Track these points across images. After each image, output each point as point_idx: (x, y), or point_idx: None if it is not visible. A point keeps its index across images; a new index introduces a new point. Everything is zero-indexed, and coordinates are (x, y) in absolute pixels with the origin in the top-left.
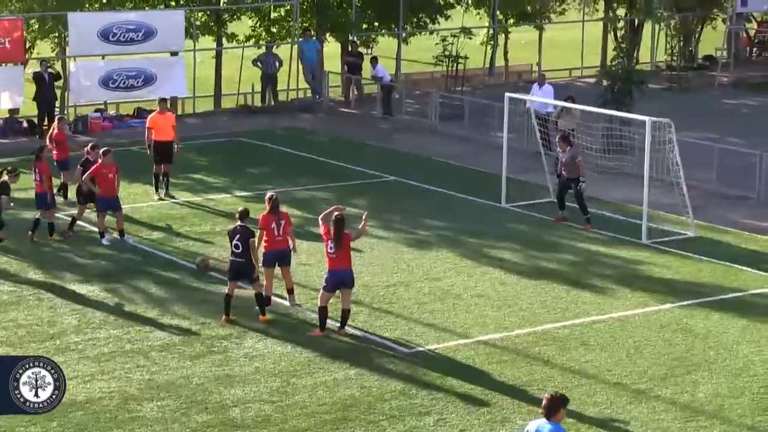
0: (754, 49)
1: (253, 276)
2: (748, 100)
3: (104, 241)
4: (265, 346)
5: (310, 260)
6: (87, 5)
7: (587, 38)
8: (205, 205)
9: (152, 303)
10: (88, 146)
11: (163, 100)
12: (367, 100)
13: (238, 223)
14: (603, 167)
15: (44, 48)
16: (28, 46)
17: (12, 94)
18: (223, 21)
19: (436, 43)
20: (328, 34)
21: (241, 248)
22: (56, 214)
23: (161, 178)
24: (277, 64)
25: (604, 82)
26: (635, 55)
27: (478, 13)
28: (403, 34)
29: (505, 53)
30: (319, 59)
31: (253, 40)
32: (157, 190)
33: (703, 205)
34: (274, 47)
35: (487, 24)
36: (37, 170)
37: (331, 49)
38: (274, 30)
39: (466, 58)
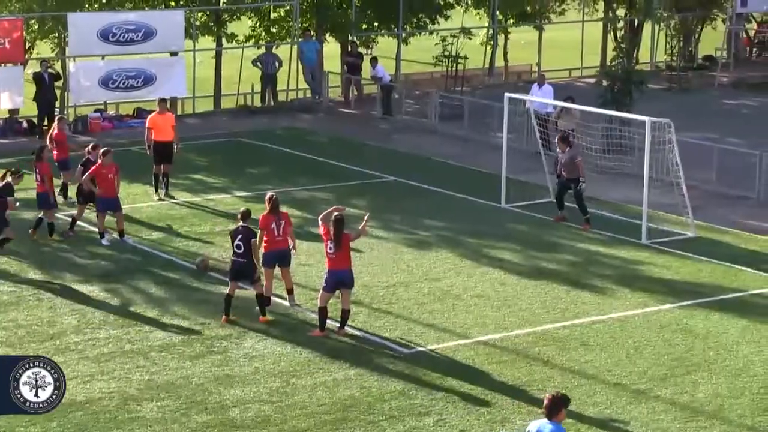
0: (754, 50)
1: (254, 277)
2: (747, 100)
3: (104, 242)
4: (264, 347)
5: (310, 260)
6: (87, 5)
7: (587, 38)
8: (204, 206)
9: (152, 303)
10: (89, 146)
11: (162, 101)
12: (367, 100)
13: (240, 223)
14: (603, 167)
15: (44, 48)
16: (27, 46)
17: (12, 95)
18: (222, 21)
19: (436, 44)
20: (327, 35)
21: (242, 248)
22: (56, 215)
23: (161, 178)
24: (276, 64)
25: (604, 83)
26: (635, 56)
27: (478, 14)
28: (403, 35)
29: (505, 53)
30: (319, 59)
31: (253, 40)
32: (156, 191)
33: (702, 205)
34: (274, 47)
35: (486, 24)
36: (37, 170)
37: (331, 49)
38: (274, 30)
39: (465, 58)
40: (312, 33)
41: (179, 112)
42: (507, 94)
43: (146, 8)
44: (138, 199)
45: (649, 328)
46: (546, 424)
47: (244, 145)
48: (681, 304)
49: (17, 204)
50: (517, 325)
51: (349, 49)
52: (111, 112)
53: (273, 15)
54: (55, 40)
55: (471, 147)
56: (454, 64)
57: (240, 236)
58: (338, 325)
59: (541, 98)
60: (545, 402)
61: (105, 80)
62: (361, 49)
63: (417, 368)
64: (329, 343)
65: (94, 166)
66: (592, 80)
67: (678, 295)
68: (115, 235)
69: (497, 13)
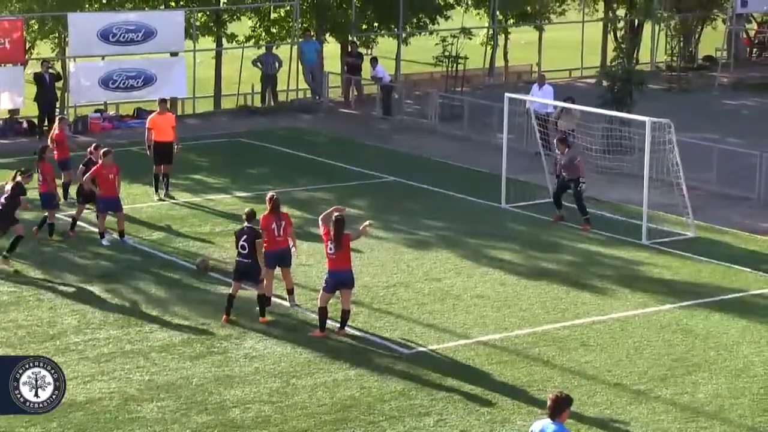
0: (754, 50)
1: (259, 277)
2: (748, 100)
3: (104, 242)
4: (265, 347)
5: (310, 261)
6: (87, 5)
7: (587, 39)
8: (204, 206)
9: (152, 303)
10: (92, 146)
11: (163, 101)
12: (367, 100)
13: (245, 224)
14: (603, 168)
15: (44, 48)
16: (28, 46)
17: (12, 95)
18: (222, 21)
19: (436, 44)
20: (327, 35)
21: (247, 249)
22: (56, 215)
23: (161, 178)
24: (276, 64)
25: (604, 83)
26: (635, 56)
27: (478, 14)
28: (403, 35)
29: (505, 54)
30: (319, 60)
31: (253, 40)
32: (156, 191)
33: (703, 205)
34: (274, 48)
35: (486, 24)
36: (39, 171)
37: (331, 49)
38: (274, 30)
39: (465, 58)
40: (312, 33)
41: (179, 113)
42: (507, 95)
43: (146, 8)
44: (138, 199)
45: (649, 328)
46: (549, 424)
47: (244, 145)
48: (681, 305)
49: (29, 206)
50: (517, 326)
51: (349, 49)
52: (111, 112)
53: (273, 15)
54: (55, 41)
55: (471, 147)
56: (454, 65)
57: (245, 237)
58: (338, 325)
59: (541, 98)
60: (548, 402)
61: (105, 80)
62: (361, 50)
63: (417, 368)
64: (329, 344)
65: (94, 167)
66: (593, 80)
67: (678, 296)
68: (115, 235)
69: (497, 13)
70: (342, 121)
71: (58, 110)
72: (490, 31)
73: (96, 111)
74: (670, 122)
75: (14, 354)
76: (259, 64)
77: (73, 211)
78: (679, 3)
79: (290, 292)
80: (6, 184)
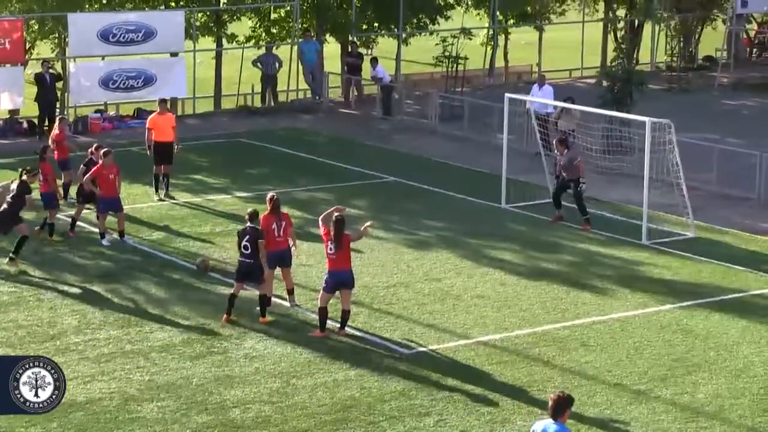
0: (754, 50)
1: (261, 278)
2: (748, 100)
3: (104, 242)
4: (265, 347)
5: (310, 261)
6: (87, 6)
7: (587, 39)
8: (204, 206)
9: (152, 303)
10: (93, 146)
11: (163, 101)
12: (367, 100)
13: (248, 224)
14: (603, 168)
15: (44, 49)
16: (28, 46)
17: (12, 95)
18: (223, 22)
19: (436, 44)
20: (328, 35)
21: (250, 249)
22: (56, 215)
23: (161, 178)
24: (277, 64)
25: (604, 83)
26: (635, 56)
27: (478, 14)
28: (403, 35)
29: (505, 54)
30: (319, 60)
31: (253, 40)
32: (157, 191)
33: (703, 205)
34: (274, 48)
35: (487, 24)
36: (40, 171)
37: (331, 49)
38: (274, 31)
39: (466, 58)
40: (312, 33)
41: (179, 113)
42: (507, 95)
43: (146, 9)
44: (138, 199)
45: (649, 328)
46: (551, 424)
47: (244, 145)
48: (681, 305)
49: (39, 204)
50: (517, 326)
51: (350, 49)
52: (111, 112)
53: (273, 15)
54: (56, 41)
55: (471, 147)
56: (455, 65)
57: (247, 237)
58: (338, 325)
59: (541, 99)
60: (550, 402)
61: (105, 81)
62: (362, 50)
63: (417, 369)
64: (330, 344)
65: (95, 167)
66: (593, 81)
67: (678, 296)
68: (116, 235)
69: (497, 13)
70: (342, 121)
71: (58, 110)
72: (490, 32)
73: (96, 111)
74: (670, 122)
75: (14, 354)
76: (259, 64)
77: (73, 211)
78: (679, 3)
79: (290, 292)
80: (12, 182)
